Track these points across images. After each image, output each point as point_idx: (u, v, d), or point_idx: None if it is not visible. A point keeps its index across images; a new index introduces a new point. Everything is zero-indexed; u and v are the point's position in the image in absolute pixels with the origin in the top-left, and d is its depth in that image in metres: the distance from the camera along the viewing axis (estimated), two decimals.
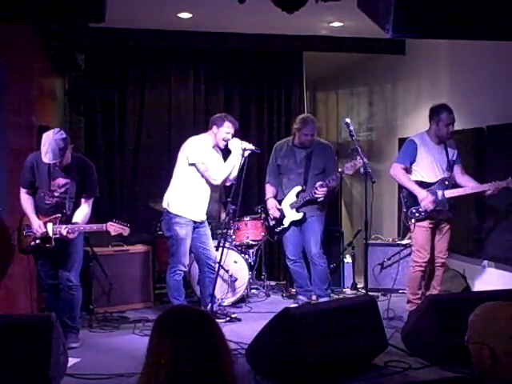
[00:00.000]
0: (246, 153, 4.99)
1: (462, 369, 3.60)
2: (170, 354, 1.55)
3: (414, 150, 4.99)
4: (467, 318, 1.91)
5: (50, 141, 4.16)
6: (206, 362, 1.56)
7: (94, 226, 4.46)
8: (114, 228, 4.40)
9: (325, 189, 5.35)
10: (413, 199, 4.97)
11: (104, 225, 4.41)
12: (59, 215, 4.39)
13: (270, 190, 5.77)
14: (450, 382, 3.05)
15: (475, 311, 1.92)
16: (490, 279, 5.53)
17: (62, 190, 4.42)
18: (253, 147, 5.04)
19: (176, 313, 1.69)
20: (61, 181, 4.41)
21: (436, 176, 4.95)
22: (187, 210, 5.09)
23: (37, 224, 4.37)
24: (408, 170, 5.04)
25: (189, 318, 1.63)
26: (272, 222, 5.71)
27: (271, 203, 5.69)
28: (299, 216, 5.52)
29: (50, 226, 4.37)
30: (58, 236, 4.35)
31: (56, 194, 4.42)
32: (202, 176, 5.09)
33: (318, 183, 5.36)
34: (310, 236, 5.55)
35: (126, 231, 4.46)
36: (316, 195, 5.37)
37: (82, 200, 4.50)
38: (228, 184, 5.29)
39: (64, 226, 4.34)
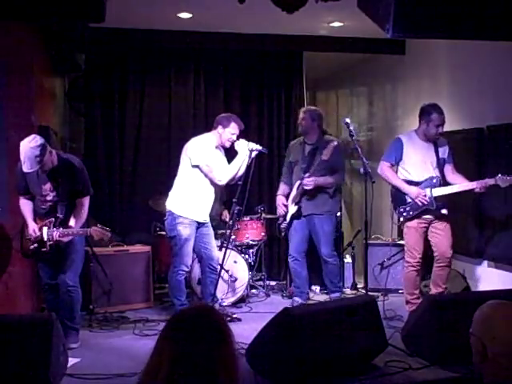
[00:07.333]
0: (254, 153, 5.00)
1: (462, 369, 3.60)
2: (171, 353, 1.55)
3: (400, 148, 5.01)
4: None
5: (25, 150, 4.10)
6: (207, 364, 1.55)
7: (81, 231, 4.41)
8: (96, 233, 4.35)
9: (311, 179, 5.37)
10: (399, 198, 4.98)
11: (88, 229, 4.36)
12: (52, 219, 4.37)
13: (281, 188, 5.87)
14: (450, 381, 3.06)
15: (482, 306, 1.96)
16: (490, 279, 5.53)
17: (54, 193, 4.40)
18: (260, 148, 5.05)
19: (186, 312, 1.68)
20: (49, 185, 4.39)
21: (424, 174, 4.94)
22: (191, 210, 5.07)
23: (32, 228, 4.38)
24: (394, 168, 5.05)
25: (195, 319, 1.62)
26: (280, 218, 5.77)
27: (279, 200, 5.78)
28: (295, 209, 5.57)
29: (44, 230, 4.36)
30: (51, 241, 4.33)
31: (48, 198, 4.41)
32: (206, 177, 5.07)
33: (307, 174, 5.40)
34: (319, 237, 5.59)
35: (106, 236, 4.40)
36: (305, 186, 5.40)
37: (77, 201, 4.47)
38: (233, 183, 5.28)
39: (56, 231, 4.32)
